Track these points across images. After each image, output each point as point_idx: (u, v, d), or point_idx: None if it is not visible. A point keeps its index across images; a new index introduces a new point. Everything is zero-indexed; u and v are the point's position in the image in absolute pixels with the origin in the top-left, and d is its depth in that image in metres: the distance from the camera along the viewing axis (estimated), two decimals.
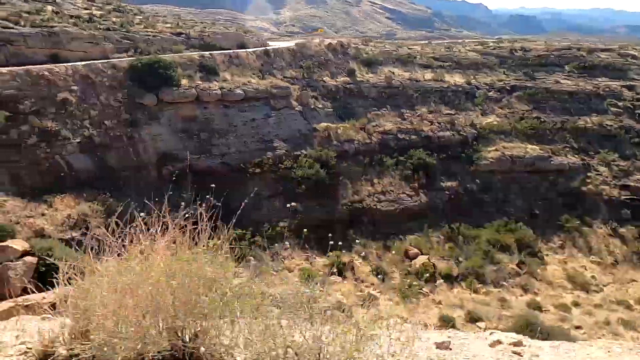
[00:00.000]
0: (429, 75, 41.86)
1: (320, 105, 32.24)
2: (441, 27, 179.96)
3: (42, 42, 24.33)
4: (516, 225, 29.55)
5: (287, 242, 23.01)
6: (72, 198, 18.76)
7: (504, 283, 24.02)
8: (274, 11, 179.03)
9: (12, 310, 13.88)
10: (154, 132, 23.10)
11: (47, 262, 15.43)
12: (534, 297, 22.95)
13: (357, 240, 24.93)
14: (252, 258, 21.11)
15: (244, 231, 21.91)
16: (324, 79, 35.16)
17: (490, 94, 42.17)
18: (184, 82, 25.69)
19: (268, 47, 35.10)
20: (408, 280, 22.14)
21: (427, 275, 22.77)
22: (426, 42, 56.61)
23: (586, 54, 46.91)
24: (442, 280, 23.25)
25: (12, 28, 23.20)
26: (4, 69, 20.59)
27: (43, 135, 19.68)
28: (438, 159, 32.33)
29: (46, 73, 21.42)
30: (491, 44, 51.33)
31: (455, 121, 36.68)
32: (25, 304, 14.60)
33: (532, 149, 35.79)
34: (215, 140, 25.03)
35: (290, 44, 41.28)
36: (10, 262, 14.89)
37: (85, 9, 31.09)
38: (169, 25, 35.45)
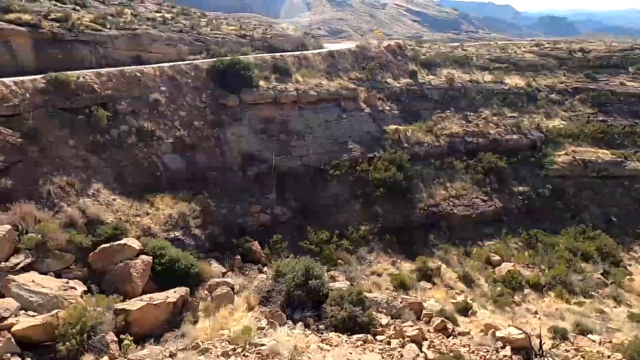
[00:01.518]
0: (488, 77, 41.11)
1: (387, 107, 31.95)
2: (468, 29, 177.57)
3: (127, 44, 24.87)
4: (595, 233, 28.51)
5: (371, 246, 22.77)
6: (170, 197, 18.97)
7: (594, 293, 23.14)
8: (300, 14, 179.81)
9: (146, 308, 13.87)
10: (237, 132, 23.21)
11: (162, 261, 15.67)
12: (628, 308, 22.00)
13: (438, 246, 24.50)
14: (341, 261, 20.95)
15: (328, 233, 21.76)
16: (387, 80, 34.88)
17: (552, 96, 41.07)
18: (261, 83, 25.83)
19: (332, 49, 34.96)
20: (498, 289, 21.54)
21: (516, 283, 22.11)
22: (481, 43, 55.56)
23: None
24: (529, 289, 22.55)
25: (101, 30, 23.73)
26: (102, 70, 21.05)
27: (140, 135, 20.00)
28: (507, 162, 31.53)
29: (138, 74, 21.82)
30: (547, 45, 50.01)
31: (521, 124, 35.83)
32: (154, 302, 14.63)
33: (603, 154, 34.59)
34: (293, 142, 25.03)
35: (344, 45, 41.14)
36: (129, 261, 15.11)
37: (157, 11, 31.67)
38: (232, 27, 35.84)
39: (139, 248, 15.45)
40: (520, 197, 30.11)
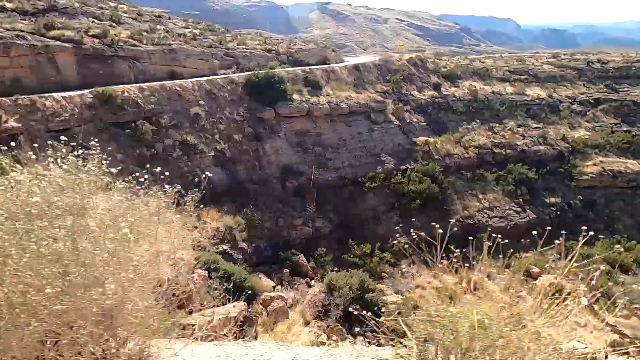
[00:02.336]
0: (509, 88, 41.28)
1: (414, 120, 32.06)
2: (470, 43, 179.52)
3: (163, 59, 25.14)
4: (630, 244, 28.21)
5: (411, 259, 22.58)
6: (216, 211, 18.93)
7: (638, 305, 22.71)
8: (303, 29, 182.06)
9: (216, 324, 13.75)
10: (275, 146, 23.28)
11: (217, 275, 15.54)
12: None
13: (476, 258, 24.23)
14: (385, 274, 20.77)
15: (370, 246, 21.63)
16: (412, 92, 35.07)
17: (574, 107, 41.15)
18: (295, 96, 25.98)
19: (357, 62, 35.29)
20: (544, 301, 21.18)
21: (559, 296, 21.77)
22: (498, 55, 56.02)
23: None
24: (573, 302, 22.17)
25: (138, 46, 24.01)
26: (144, 85, 21.24)
27: (184, 148, 20.06)
28: (537, 174, 31.44)
29: (178, 88, 22.01)
30: (564, 56, 50.33)
31: (546, 135, 35.82)
32: (218, 317, 14.51)
33: (632, 164, 34.44)
34: (328, 154, 25.07)
35: (366, 59, 41.52)
36: (188, 275, 14.98)
37: (185, 27, 32.09)
38: (257, 42, 36.24)
39: (195, 262, 15.36)
40: (552, 209, 29.94)
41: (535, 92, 41.75)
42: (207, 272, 15.49)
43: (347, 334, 14.26)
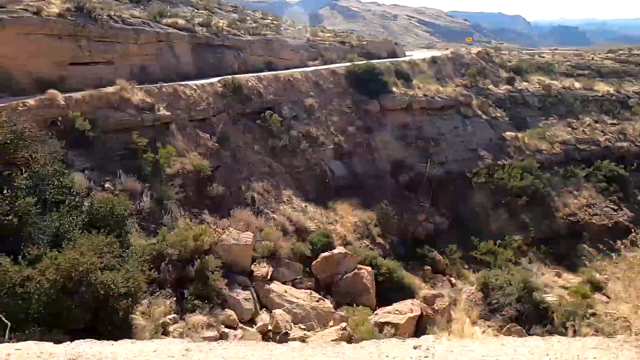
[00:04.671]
0: (577, 84, 40.68)
1: (498, 114, 31.53)
2: (480, 39, 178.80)
3: (262, 50, 24.75)
4: None
5: (529, 256, 22.15)
6: (347, 205, 18.51)
7: None
8: (314, 26, 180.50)
9: (409, 321, 13.28)
10: (383, 139, 22.85)
11: (382, 271, 15.14)
12: None
13: (586, 257, 23.80)
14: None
15: (492, 243, 21.18)
16: (489, 87, 34.52)
17: None
18: (394, 89, 25.48)
19: (434, 55, 34.81)
20: None
21: None
22: (552, 50, 55.46)
23: None
24: None
25: (240, 36, 23.60)
26: (261, 75, 20.82)
27: (308, 140, 19.62)
28: (627, 170, 30.91)
29: (290, 79, 21.57)
30: (622, 51, 49.72)
31: (625, 131, 35.23)
32: (410, 315, 13.93)
33: None
34: (431, 149, 24.68)
35: (429, 53, 40.96)
36: (357, 270, 14.57)
37: (262, 18, 31.65)
38: (328, 34, 35.77)
39: (359, 258, 14.94)
40: None
41: (603, 87, 41.17)
42: (370, 267, 15.16)
43: (527, 333, 13.83)
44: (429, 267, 17.91)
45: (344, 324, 11.11)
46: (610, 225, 26.91)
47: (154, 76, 18.45)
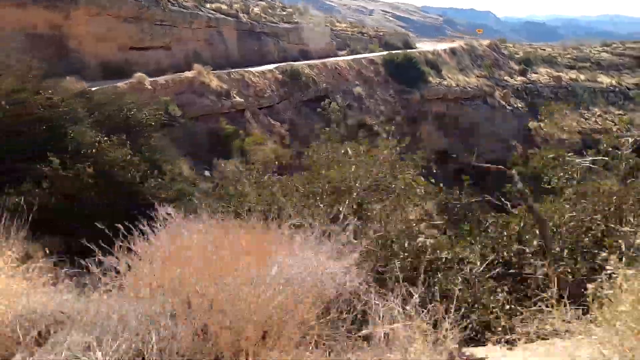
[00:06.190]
0: (582, 76, 42.16)
1: (519, 104, 32.31)
2: (454, 35, 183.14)
3: (296, 37, 24.42)
4: None
5: None
6: None
7: None
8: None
9: None
10: (427, 129, 22.99)
11: None
12: None
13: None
14: None
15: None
16: (505, 78, 35.32)
17: None
18: (430, 79, 25.68)
19: (452, 46, 35.27)
20: None
21: None
22: (546, 44, 57.13)
23: None
24: None
25: (277, 24, 23.21)
26: (311, 62, 20.54)
27: (365, 130, 19.48)
28: None
29: (337, 67, 21.37)
30: (617, 45, 51.86)
31: (633, 122, 36.82)
32: None
33: None
34: (469, 138, 24.93)
35: (442, 45, 41.43)
36: None
37: (282, 7, 31.17)
38: (344, 25, 35.66)
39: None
40: None
41: (605, 79, 42.87)
42: None
43: None
44: None
45: None
46: None
47: (207, 62, 17.85)
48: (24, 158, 6.66)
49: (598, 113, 36.74)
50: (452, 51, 34.47)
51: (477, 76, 33.07)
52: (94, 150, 6.94)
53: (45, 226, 6.16)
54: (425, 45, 42.08)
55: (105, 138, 7.24)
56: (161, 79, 13.03)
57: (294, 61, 22.58)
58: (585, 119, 36.00)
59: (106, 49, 14.19)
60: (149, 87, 12.47)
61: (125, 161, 6.97)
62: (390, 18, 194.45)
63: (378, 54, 25.80)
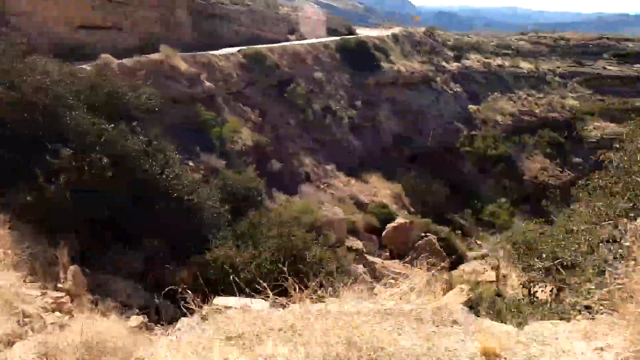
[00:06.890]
0: (506, 62, 45.54)
1: (458, 89, 34.18)
2: (375, 23, 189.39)
3: (249, 21, 23.64)
4: None
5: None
6: (375, 177, 18.97)
7: None
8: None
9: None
10: (384, 113, 23.59)
11: (442, 237, 16.01)
12: None
13: (554, 212, 27.39)
14: None
15: (494, 205, 23.31)
16: (442, 64, 37.08)
17: (556, 79, 47.05)
18: (382, 64, 26.25)
19: (394, 32, 36.19)
20: None
21: None
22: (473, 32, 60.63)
23: (617, 43, 53.86)
24: None
25: (227, 5, 22.23)
26: (270, 46, 19.99)
27: (328, 114, 19.52)
28: (563, 137, 35.93)
29: (295, 51, 21.07)
30: (533, 34, 56.64)
31: (552, 103, 40.70)
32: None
33: (620, 127, 40.93)
34: (418, 122, 26.01)
35: (378, 32, 42.38)
36: (427, 237, 15.24)
37: None
38: (287, 9, 35.02)
39: (422, 225, 15.55)
40: (580, 167, 34.56)
41: (526, 65, 46.73)
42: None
43: None
44: (459, 231, 19.21)
45: (462, 286, 11.69)
46: (560, 185, 31.22)
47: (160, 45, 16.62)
48: (22, 148, 5.68)
49: (524, 96, 40.03)
50: (395, 37, 35.41)
51: (420, 62, 34.36)
52: (102, 139, 6.14)
53: (67, 228, 5.39)
54: (364, 31, 42.79)
55: (112, 126, 6.45)
56: (128, 62, 11.86)
57: (249, 44, 21.76)
58: (514, 101, 39.06)
59: (57, 27, 12.60)
60: (117, 70, 11.31)
61: (141, 151, 6.27)
62: (313, 4, 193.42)
63: (330, 39, 25.74)
